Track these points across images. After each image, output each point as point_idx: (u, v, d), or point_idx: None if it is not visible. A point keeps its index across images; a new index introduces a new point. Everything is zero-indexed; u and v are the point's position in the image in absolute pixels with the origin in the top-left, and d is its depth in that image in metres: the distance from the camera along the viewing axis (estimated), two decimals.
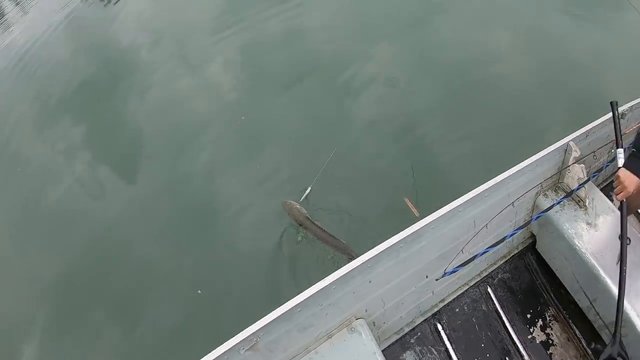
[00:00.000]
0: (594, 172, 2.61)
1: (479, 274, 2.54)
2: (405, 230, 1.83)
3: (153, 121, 4.92)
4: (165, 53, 5.90)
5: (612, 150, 2.80)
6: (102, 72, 5.93)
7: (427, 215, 1.91)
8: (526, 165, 2.21)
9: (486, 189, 2.03)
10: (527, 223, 2.33)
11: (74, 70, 6.04)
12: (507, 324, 2.39)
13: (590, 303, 2.24)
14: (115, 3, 7.40)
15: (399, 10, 5.90)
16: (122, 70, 5.79)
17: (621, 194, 2.00)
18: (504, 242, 2.18)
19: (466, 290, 2.49)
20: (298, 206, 3.59)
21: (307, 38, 5.73)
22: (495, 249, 2.28)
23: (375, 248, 1.77)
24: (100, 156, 4.67)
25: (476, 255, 2.06)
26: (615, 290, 2.01)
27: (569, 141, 2.37)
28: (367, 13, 5.98)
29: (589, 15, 5.33)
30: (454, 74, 4.74)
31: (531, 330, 2.41)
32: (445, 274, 2.06)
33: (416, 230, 1.83)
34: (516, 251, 2.67)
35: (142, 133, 4.80)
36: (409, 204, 3.57)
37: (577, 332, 2.42)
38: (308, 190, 3.80)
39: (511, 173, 2.14)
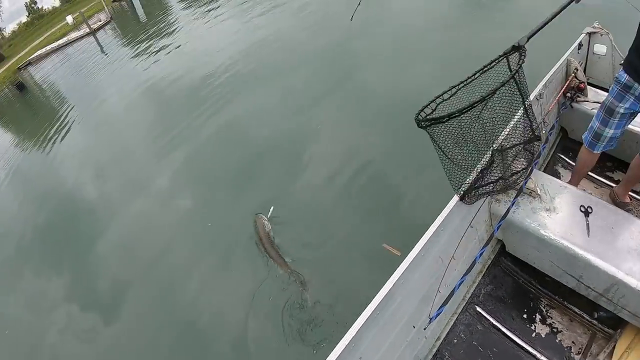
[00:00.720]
0: (534, 160, 2.76)
1: (463, 299, 2.50)
2: (376, 296, 1.76)
3: (119, 251, 4.84)
4: (113, 183, 6.03)
5: (544, 132, 3.00)
6: (56, 217, 5.93)
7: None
8: (473, 179, 2.20)
9: (440, 222, 2.01)
10: (491, 236, 2.33)
11: (26, 222, 6.03)
12: (508, 333, 2.35)
13: (578, 280, 2.24)
14: (51, 149, 7.60)
15: (321, 79, 6.41)
16: (76, 210, 5.82)
17: None
18: (476, 263, 2.18)
19: (457, 319, 2.43)
20: (265, 221, 3.99)
21: (244, 127, 6.05)
22: (470, 273, 2.27)
23: (352, 327, 1.70)
24: (78, 301, 4.49)
25: (455, 288, 2.05)
26: (596, 260, 2.05)
27: (501, 142, 2.46)
28: (293, 88, 6.44)
29: None
30: (392, 113, 5.01)
31: (533, 327, 2.37)
32: (431, 319, 2.02)
33: (388, 292, 1.77)
34: (489, 262, 2.66)
35: (110, 267, 4.69)
36: (388, 248, 3.59)
37: (577, 309, 2.40)
38: (271, 209, 4.11)
39: (458, 197, 2.14)
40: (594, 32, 3.65)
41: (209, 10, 14.96)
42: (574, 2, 2.24)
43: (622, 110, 2.26)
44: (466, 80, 1.87)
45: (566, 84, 3.18)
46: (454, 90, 1.84)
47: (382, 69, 6.39)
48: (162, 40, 13.29)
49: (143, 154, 6.40)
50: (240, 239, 4.12)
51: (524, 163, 2.18)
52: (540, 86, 2.91)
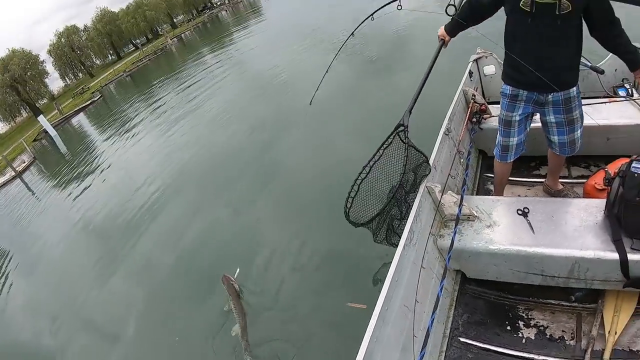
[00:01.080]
0: (462, 187, 2.94)
1: (444, 335, 2.50)
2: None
3: None
4: (66, 327, 5.65)
5: (462, 161, 3.30)
6: None
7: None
8: (410, 228, 2.31)
9: (393, 274, 2.06)
10: (445, 270, 2.41)
11: None
12: (500, 349, 2.35)
13: (542, 275, 2.32)
14: None
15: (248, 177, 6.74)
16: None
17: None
18: (440, 298, 2.23)
19: (446, 356, 2.42)
20: (233, 281, 4.29)
21: (174, 239, 6.14)
22: (437, 311, 2.30)
23: None
24: None
25: (429, 328, 2.08)
26: (548, 250, 2.19)
27: (426, 184, 2.61)
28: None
29: None
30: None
31: (520, 334, 2.40)
32: None
33: (365, 352, 1.78)
34: (456, 293, 2.72)
35: None
36: (353, 305, 3.60)
37: (553, 301, 2.47)
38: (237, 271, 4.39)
39: (403, 244, 2.22)
40: (480, 57, 4.06)
41: (126, 132, 15.54)
42: (442, 48, 2.74)
43: (517, 118, 2.51)
44: (373, 158, 2.45)
45: (469, 111, 3.44)
46: (367, 169, 2.45)
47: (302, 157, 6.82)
48: (86, 170, 13.48)
49: (88, 287, 6.22)
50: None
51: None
52: (445, 122, 3.19)
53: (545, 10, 2.07)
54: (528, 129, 2.62)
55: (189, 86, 17.76)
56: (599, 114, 3.10)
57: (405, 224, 2.33)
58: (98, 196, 10.17)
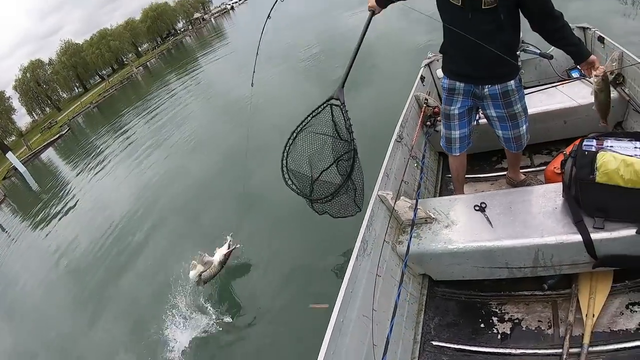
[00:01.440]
0: (417, 192, 2.95)
1: (415, 341, 2.45)
2: None
3: None
4: None
5: (417, 164, 3.32)
6: None
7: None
8: (362, 238, 2.30)
9: (346, 285, 2.05)
10: (402, 275, 2.38)
11: None
12: (476, 348, 2.31)
13: (508, 268, 2.29)
14: None
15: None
16: None
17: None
18: (399, 303, 2.19)
19: None
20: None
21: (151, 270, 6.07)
22: (396, 318, 2.28)
23: None
24: None
25: (388, 335, 2.03)
26: (509, 242, 2.17)
27: (377, 193, 2.62)
28: None
29: None
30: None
31: (496, 330, 2.36)
32: None
33: None
34: (425, 297, 2.67)
35: None
36: (315, 306, 3.61)
37: (525, 292, 2.44)
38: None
39: (355, 254, 2.21)
40: (431, 61, 4.20)
41: (96, 165, 15.34)
42: (372, 15, 2.74)
43: (456, 112, 2.53)
44: (302, 123, 2.67)
45: (422, 115, 3.57)
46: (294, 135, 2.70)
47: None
48: (59, 206, 13.14)
49: (68, 327, 6.09)
50: None
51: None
52: (396, 130, 3.24)
53: (472, 3, 2.08)
54: (473, 123, 2.64)
55: (157, 114, 17.62)
56: (553, 98, 3.16)
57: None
58: (72, 232, 9.90)
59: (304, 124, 2.74)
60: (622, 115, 3.11)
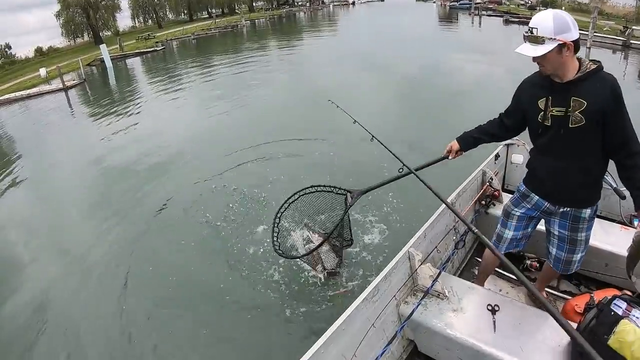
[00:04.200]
0: (443, 264, 2.94)
1: None
2: None
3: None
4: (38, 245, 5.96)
5: (455, 238, 3.32)
6: None
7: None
8: (376, 285, 2.30)
9: (342, 322, 2.05)
10: (395, 336, 2.42)
11: None
12: None
13: None
14: None
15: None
16: None
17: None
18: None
19: None
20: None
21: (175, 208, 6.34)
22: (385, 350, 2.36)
23: None
24: None
25: None
26: (502, 355, 2.13)
27: (408, 249, 2.62)
28: None
29: None
30: None
31: None
32: None
33: None
34: None
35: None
36: (339, 292, 3.91)
37: None
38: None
39: (364, 297, 2.21)
40: (512, 144, 4.15)
41: (173, 90, 16.16)
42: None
43: (517, 214, 2.49)
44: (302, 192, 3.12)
45: (481, 192, 3.56)
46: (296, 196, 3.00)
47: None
48: (126, 109, 14.02)
49: (77, 223, 6.46)
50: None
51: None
52: (452, 196, 3.23)
53: (558, 122, 2.03)
54: (530, 230, 2.58)
55: (245, 71, 18.35)
56: (606, 236, 3.06)
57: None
58: (126, 137, 10.58)
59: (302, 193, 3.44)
60: None
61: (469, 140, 2.51)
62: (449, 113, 9.30)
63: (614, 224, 3.31)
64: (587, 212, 2.24)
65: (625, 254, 2.25)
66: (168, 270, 4.71)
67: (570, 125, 1.99)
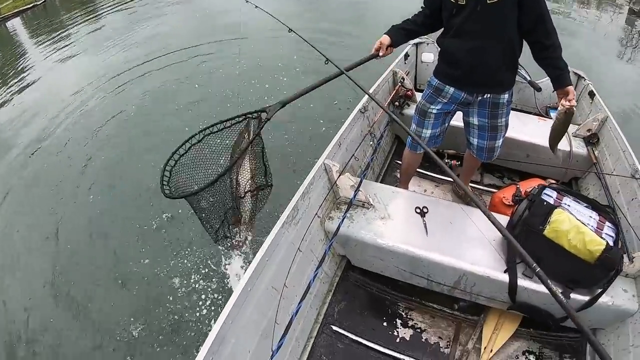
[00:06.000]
0: (363, 172, 2.72)
1: (316, 321, 2.39)
2: (205, 343, 1.54)
3: None
4: None
5: (372, 143, 3.11)
6: None
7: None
8: (294, 205, 2.13)
9: (264, 253, 1.89)
10: (325, 255, 2.28)
11: None
12: (371, 344, 2.28)
13: (428, 279, 2.28)
14: None
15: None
16: None
17: None
18: (313, 282, 2.12)
19: (314, 343, 2.30)
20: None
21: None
22: (312, 296, 2.22)
23: None
24: None
25: (293, 315, 1.96)
26: (438, 257, 2.10)
27: (324, 161, 2.43)
28: None
29: None
30: None
31: (396, 333, 2.35)
32: (273, 353, 1.86)
33: (217, 335, 1.56)
34: (337, 279, 2.60)
35: None
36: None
37: (435, 305, 2.43)
38: None
39: (282, 221, 2.04)
40: (420, 42, 3.98)
41: (62, 48, 14.13)
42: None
43: (434, 111, 2.35)
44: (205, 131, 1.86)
45: (393, 93, 3.36)
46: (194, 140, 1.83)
47: None
48: (13, 78, 12.32)
49: None
50: None
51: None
52: (364, 100, 3.01)
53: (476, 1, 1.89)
54: (447, 124, 2.48)
55: (137, 11, 16.37)
56: (525, 127, 3.09)
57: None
58: (19, 108, 9.17)
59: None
60: (582, 173, 3.11)
61: (400, 34, 2.28)
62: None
63: (531, 115, 3.36)
64: (505, 97, 2.20)
65: (545, 144, 2.24)
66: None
67: (488, 1, 1.86)
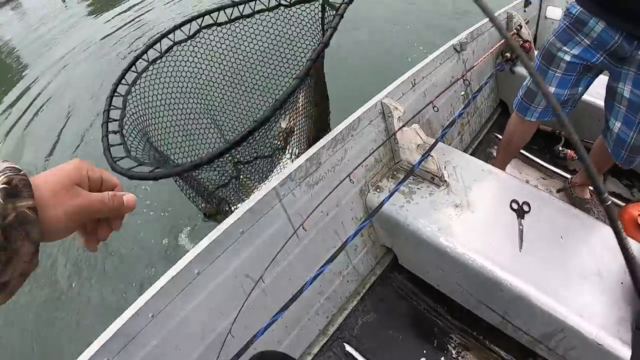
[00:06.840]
0: (443, 130, 1.70)
1: (323, 332, 1.72)
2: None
3: None
4: None
5: (463, 93, 2.26)
6: None
7: None
8: (312, 155, 1.42)
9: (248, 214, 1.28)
10: (351, 242, 1.45)
11: None
12: None
13: (503, 317, 1.50)
14: None
15: None
16: None
17: None
18: (331, 277, 1.55)
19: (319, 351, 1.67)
20: None
21: None
22: (307, 300, 1.56)
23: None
24: None
25: (257, 334, 1.13)
26: (530, 290, 1.29)
27: (382, 99, 1.61)
28: None
29: None
30: None
31: None
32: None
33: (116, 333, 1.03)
34: (375, 278, 1.89)
35: None
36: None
37: (503, 354, 1.64)
38: None
39: (288, 175, 1.37)
40: None
41: None
42: None
43: (567, 58, 1.52)
44: None
45: (504, 42, 2.41)
46: None
47: None
48: None
49: None
50: None
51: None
52: (462, 35, 2.12)
53: None
54: (580, 90, 1.62)
55: None
56: None
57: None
58: None
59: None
60: None
61: None
62: None
63: None
64: None
65: None
66: None
67: None
